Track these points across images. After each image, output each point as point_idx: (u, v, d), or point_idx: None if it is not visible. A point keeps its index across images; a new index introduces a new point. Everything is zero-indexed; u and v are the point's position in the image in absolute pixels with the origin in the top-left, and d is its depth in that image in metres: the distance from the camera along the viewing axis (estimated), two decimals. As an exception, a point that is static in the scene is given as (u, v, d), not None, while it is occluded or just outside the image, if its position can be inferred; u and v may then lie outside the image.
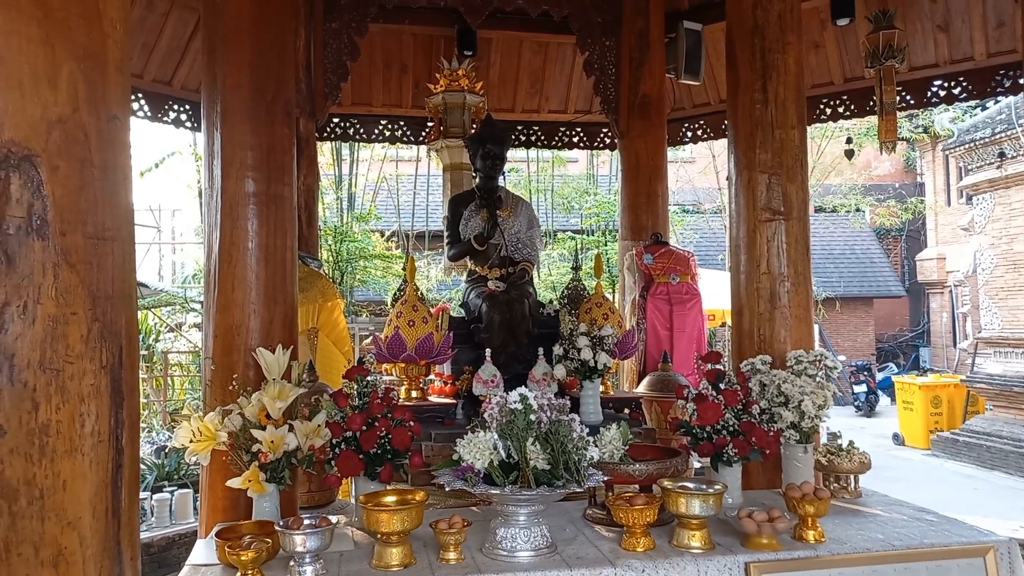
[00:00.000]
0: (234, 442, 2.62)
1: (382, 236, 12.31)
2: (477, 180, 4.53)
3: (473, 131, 5.78)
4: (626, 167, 5.94)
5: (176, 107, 5.63)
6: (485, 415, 2.47)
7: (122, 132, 0.93)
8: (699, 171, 15.93)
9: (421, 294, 4.11)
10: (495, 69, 6.66)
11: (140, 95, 5.33)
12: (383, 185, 13.16)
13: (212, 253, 3.15)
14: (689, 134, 6.81)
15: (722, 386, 2.78)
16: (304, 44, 5.17)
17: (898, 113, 5.15)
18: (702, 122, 6.72)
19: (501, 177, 4.55)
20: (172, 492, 5.49)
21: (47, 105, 0.81)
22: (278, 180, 3.22)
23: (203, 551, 2.40)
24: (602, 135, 6.99)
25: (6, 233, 0.77)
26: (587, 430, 2.37)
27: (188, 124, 5.74)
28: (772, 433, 2.75)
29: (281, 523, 2.18)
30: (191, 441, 2.56)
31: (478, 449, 2.32)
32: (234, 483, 2.55)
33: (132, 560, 0.89)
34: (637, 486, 2.53)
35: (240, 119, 3.10)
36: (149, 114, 5.46)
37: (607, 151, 8.42)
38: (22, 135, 0.79)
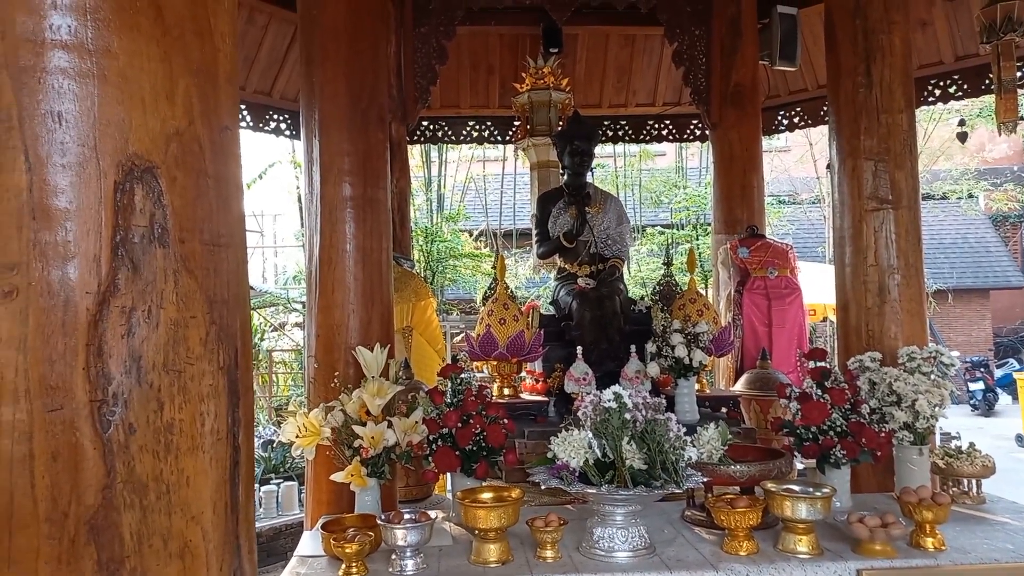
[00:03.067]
0: (337, 437, 2.71)
1: (471, 235, 12.47)
2: (565, 177, 4.50)
3: (560, 128, 5.77)
4: (719, 158, 5.77)
5: (276, 116, 5.88)
6: (579, 413, 2.45)
7: (233, 143, 0.97)
8: (795, 160, 15.31)
9: (511, 292, 4.13)
10: (581, 65, 6.61)
11: (243, 106, 5.60)
12: (471, 185, 13.33)
13: (313, 256, 3.27)
14: (785, 122, 6.55)
15: (828, 384, 2.66)
16: (395, 50, 5.29)
17: (1018, 91, 4.78)
18: (799, 109, 6.44)
19: (589, 173, 4.51)
20: (278, 484, 5.74)
21: (165, 119, 0.86)
22: (373, 184, 3.31)
23: (309, 542, 2.49)
24: (692, 127, 6.83)
25: (131, 242, 0.81)
26: (684, 429, 2.32)
27: (287, 132, 5.98)
28: (883, 434, 2.60)
29: (383, 517, 2.24)
30: (297, 436, 2.66)
31: (573, 448, 2.31)
32: (337, 477, 2.64)
33: (250, 553, 0.93)
34: (738, 488, 2.45)
35: (337, 126, 3.21)
36: (251, 124, 5.72)
37: (697, 143, 8.21)
38: (144, 148, 0.83)
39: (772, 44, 5.47)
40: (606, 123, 6.77)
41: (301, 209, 9.72)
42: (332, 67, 3.19)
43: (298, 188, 9.75)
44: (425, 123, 6.61)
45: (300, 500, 5.66)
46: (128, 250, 0.82)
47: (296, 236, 10.74)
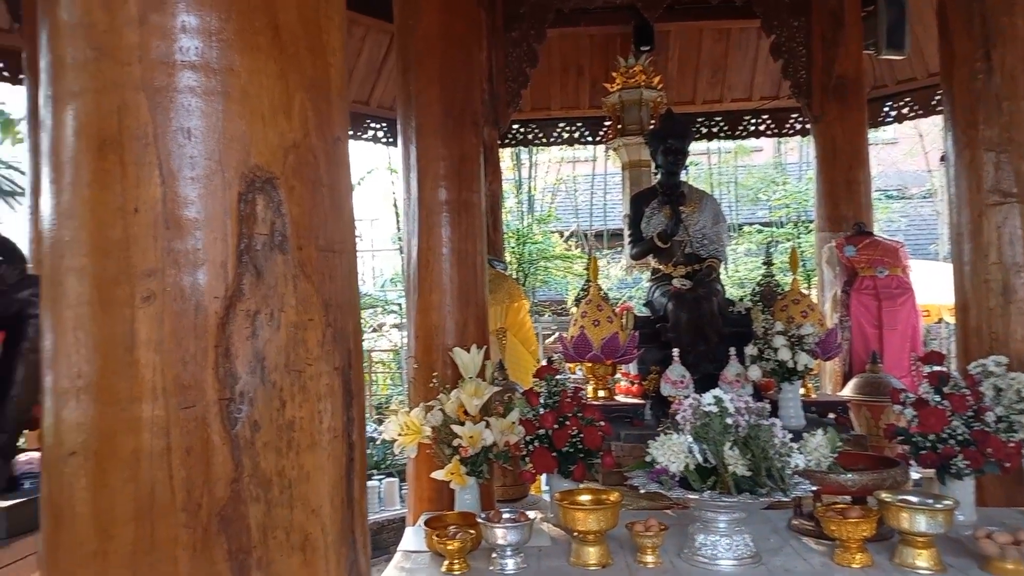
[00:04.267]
0: (437, 436, 2.77)
1: (561, 236, 12.46)
2: (658, 176, 4.43)
3: (652, 127, 5.68)
4: (821, 153, 5.53)
5: (374, 125, 6.07)
6: (677, 417, 2.40)
7: (344, 152, 1.01)
8: (904, 153, 14.47)
9: (604, 294, 4.10)
10: (673, 62, 6.49)
11: (342, 116, 5.80)
12: (561, 186, 13.32)
13: (411, 259, 3.36)
14: (893, 113, 6.21)
15: (947, 390, 2.50)
16: (486, 56, 5.36)
17: None
18: (908, 99, 6.10)
19: (683, 172, 4.42)
20: (380, 481, 5.92)
21: (283, 132, 0.90)
22: (468, 188, 3.37)
23: (412, 538, 2.55)
24: (792, 121, 6.58)
25: (254, 249, 0.85)
26: (789, 435, 2.23)
27: (384, 140, 6.16)
28: (1012, 444, 2.42)
29: (483, 516, 2.27)
30: (399, 435, 2.74)
31: (672, 452, 2.26)
32: (438, 475, 2.70)
33: (364, 547, 0.97)
34: (849, 497, 2.34)
35: (432, 132, 3.28)
36: (351, 133, 5.93)
37: (797, 137, 7.90)
38: (264, 160, 0.87)
39: (878, 32, 5.19)
40: (700, 120, 6.62)
41: (397, 214, 10.00)
42: (427, 75, 3.27)
43: (394, 194, 10.02)
44: (516, 126, 6.66)
45: (401, 496, 5.82)
46: (252, 257, 0.87)
47: (392, 240, 11.05)
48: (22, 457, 2.19)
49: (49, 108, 0.92)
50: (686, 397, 2.45)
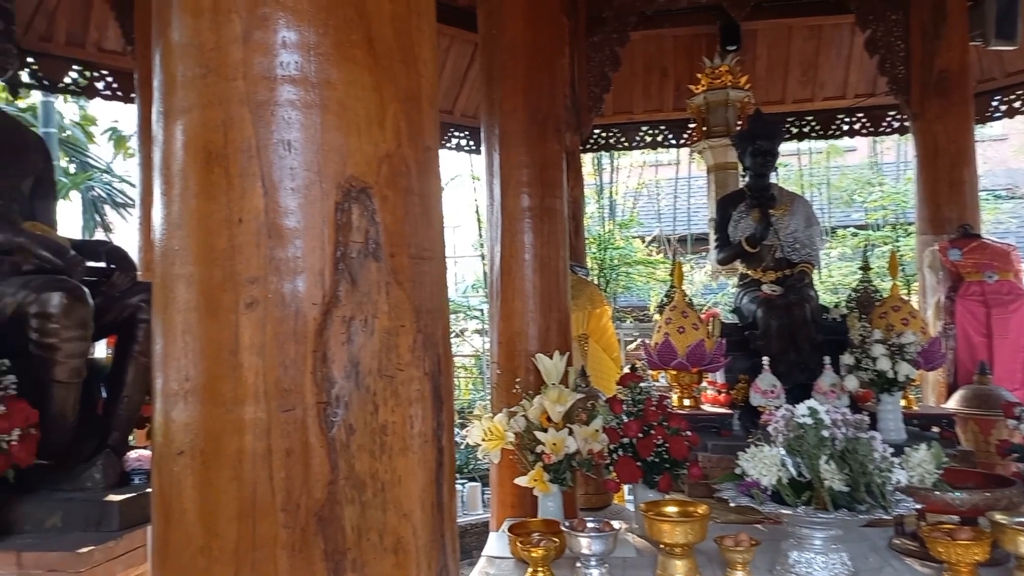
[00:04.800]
0: (520, 442, 2.77)
1: (643, 241, 12.29)
2: (747, 179, 4.31)
3: (739, 128, 5.53)
4: (922, 152, 5.24)
5: (457, 133, 6.17)
6: (769, 428, 2.32)
7: (434, 161, 1.02)
8: (1014, 150, 13.55)
9: (689, 300, 4.01)
10: (761, 61, 6.31)
11: (427, 126, 5.92)
12: (643, 190, 13.14)
13: (494, 265, 3.38)
14: (1003, 108, 5.82)
15: (1069, 404, 2.32)
16: (568, 62, 5.36)
17: None
18: (1019, 92, 5.70)
19: (773, 174, 4.28)
20: (463, 485, 5.98)
21: (378, 143, 0.92)
22: (550, 194, 3.36)
23: (496, 544, 2.56)
24: (889, 119, 6.27)
25: (350, 257, 0.87)
26: (890, 450, 2.12)
27: (467, 148, 6.25)
28: None
29: (567, 524, 2.26)
30: (483, 440, 2.76)
31: (764, 465, 2.19)
32: (521, 481, 2.70)
33: (453, 552, 0.97)
34: (957, 517, 2.19)
35: (516, 140, 3.30)
36: (435, 142, 6.04)
37: (895, 136, 7.53)
38: (359, 171, 0.90)
39: (986, 22, 4.88)
40: (790, 120, 6.40)
41: (479, 220, 10.11)
42: (511, 83, 3.29)
43: (475, 201, 10.13)
44: (598, 130, 6.61)
45: (483, 500, 5.86)
46: (347, 265, 0.89)
47: (474, 246, 11.18)
48: (132, 454, 2.32)
49: (161, 124, 0.97)
50: (777, 408, 2.37)
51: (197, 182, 0.91)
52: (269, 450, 0.86)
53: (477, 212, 10.01)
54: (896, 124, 6.23)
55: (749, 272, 4.19)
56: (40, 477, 2.12)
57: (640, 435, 2.70)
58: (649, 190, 13.39)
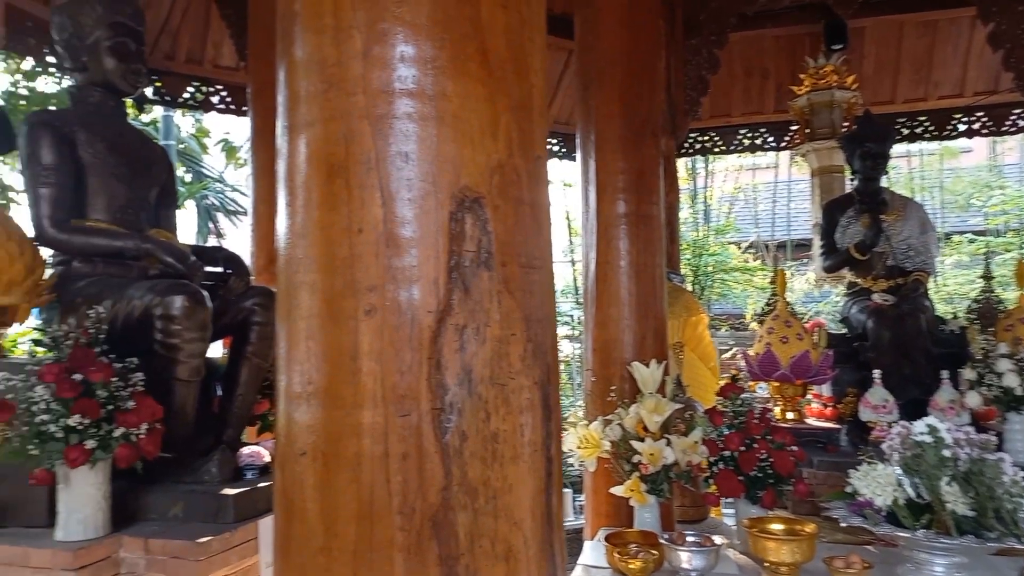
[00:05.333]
0: (616, 451, 2.74)
1: (739, 248, 11.94)
2: (855, 183, 4.12)
3: (845, 130, 5.30)
4: (1052, 151, 4.85)
5: (550, 140, 6.17)
6: (883, 446, 2.20)
7: (543, 170, 1.03)
8: None
9: (792, 309, 3.86)
10: (869, 60, 6.01)
11: (520, 133, 5.97)
12: (739, 195, 12.77)
13: (589, 272, 3.36)
14: None
15: None
16: (664, 65, 5.27)
17: None
18: None
19: (883, 177, 4.08)
20: (552, 492, 5.95)
21: (490, 153, 0.93)
22: (647, 200, 3.31)
23: (591, 553, 2.54)
24: (1014, 118, 5.84)
25: (463, 266, 0.89)
26: (1021, 473, 1.97)
27: (559, 155, 6.25)
28: None
29: (666, 536, 2.21)
30: (578, 447, 2.74)
31: (878, 484, 2.08)
32: (617, 491, 2.67)
33: (562, 562, 0.97)
34: (1101, 550, 2.01)
35: (612, 146, 3.27)
36: (528, 149, 6.08)
37: (1018, 136, 7.01)
38: (473, 181, 0.91)
39: None
40: (901, 120, 6.06)
41: (569, 226, 10.08)
42: (608, 89, 3.27)
43: (566, 207, 10.11)
44: (694, 134, 6.48)
45: (574, 507, 5.82)
46: (460, 273, 0.90)
47: (563, 252, 11.17)
48: (245, 450, 2.44)
49: (285, 138, 1.01)
50: (891, 424, 2.24)
51: (319, 193, 0.95)
52: (386, 454, 0.88)
53: (567, 218, 10.00)
54: (1022, 123, 5.80)
55: (858, 280, 4.00)
56: (163, 469, 2.26)
57: (742, 448, 2.62)
58: (746, 194, 13.01)
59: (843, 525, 2.13)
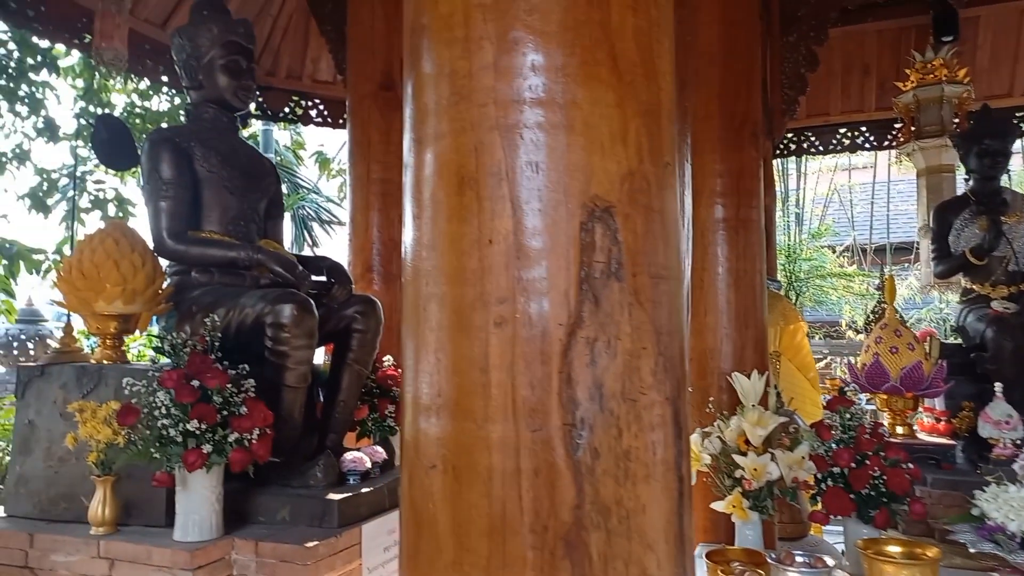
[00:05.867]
0: (715, 465, 2.65)
1: (833, 252, 11.45)
2: (971, 182, 3.87)
3: (956, 127, 4.99)
4: None
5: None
6: (1015, 466, 2.05)
7: (672, 176, 0.99)
8: None
9: (901, 317, 3.65)
10: (983, 51, 5.65)
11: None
12: (833, 196, 12.26)
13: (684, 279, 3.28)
14: None
15: None
16: (760, 64, 5.11)
17: None
18: None
19: (1004, 176, 3.81)
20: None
21: (620, 160, 0.90)
22: (746, 204, 3.21)
23: (693, 571, 2.46)
24: None
25: (593, 277, 0.86)
26: None
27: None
28: None
29: (772, 555, 2.12)
30: (677, 461, 2.67)
31: (1011, 508, 1.93)
32: (718, 506, 2.58)
33: (694, 587, 0.93)
34: None
35: (710, 148, 3.19)
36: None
37: None
38: (603, 190, 0.88)
39: None
40: (1020, 115, 5.66)
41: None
42: (706, 89, 3.19)
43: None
44: (789, 135, 6.25)
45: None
46: (591, 285, 0.88)
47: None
48: (348, 455, 2.50)
49: (412, 151, 1.02)
50: (1019, 443, 2.08)
51: (449, 205, 0.95)
52: (518, 469, 0.87)
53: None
54: None
55: (975, 287, 3.75)
56: (270, 473, 2.33)
57: (853, 465, 2.49)
58: (840, 196, 12.48)
59: (972, 551, 1.99)
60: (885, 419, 3.55)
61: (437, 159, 0.97)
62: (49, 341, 6.73)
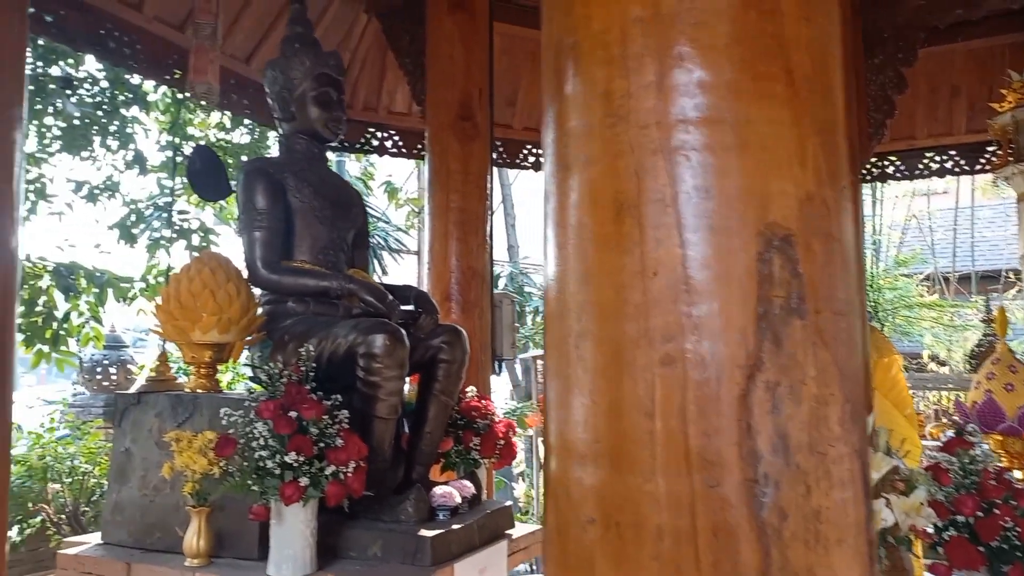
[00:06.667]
0: (824, 511, 2.48)
1: (911, 280, 10.96)
2: (1087, 207, 3.60)
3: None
4: None
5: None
6: None
7: (848, 200, 0.90)
8: None
9: (1013, 352, 3.41)
10: (1086, 69, 5.33)
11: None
12: (911, 223, 11.79)
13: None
14: None
15: None
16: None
17: None
18: None
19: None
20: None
21: (798, 184, 0.82)
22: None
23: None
24: None
25: (772, 314, 0.78)
26: None
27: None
28: None
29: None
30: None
31: None
32: (829, 556, 2.41)
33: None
34: None
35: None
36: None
37: None
38: (780, 216, 0.80)
39: None
40: None
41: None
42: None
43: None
44: (872, 160, 6.01)
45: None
46: (770, 322, 0.79)
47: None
48: (437, 490, 2.42)
49: (556, 177, 0.95)
50: None
51: (604, 234, 0.87)
52: (693, 528, 0.78)
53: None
54: None
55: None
56: (360, 506, 2.28)
57: (979, 513, 2.29)
58: (919, 222, 11.99)
59: None
60: (1000, 463, 3.29)
61: (589, 185, 0.90)
62: (129, 366, 6.95)
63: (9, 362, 1.97)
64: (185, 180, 4.03)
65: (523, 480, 9.24)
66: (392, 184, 8.81)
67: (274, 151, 6.56)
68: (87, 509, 4.54)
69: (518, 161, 5.61)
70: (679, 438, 0.79)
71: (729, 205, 0.82)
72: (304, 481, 1.96)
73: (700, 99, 0.84)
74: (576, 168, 0.92)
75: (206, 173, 2.83)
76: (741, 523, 0.77)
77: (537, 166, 5.65)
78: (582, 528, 0.85)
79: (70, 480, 4.52)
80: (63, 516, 4.44)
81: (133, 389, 2.59)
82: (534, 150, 5.57)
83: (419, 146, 5.33)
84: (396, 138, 5.24)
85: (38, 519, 4.25)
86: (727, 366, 0.80)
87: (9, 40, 1.88)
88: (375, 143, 5.22)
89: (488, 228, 4.12)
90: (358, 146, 5.27)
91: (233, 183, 3.23)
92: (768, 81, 0.84)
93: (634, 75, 0.86)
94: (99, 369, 6.63)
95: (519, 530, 2.75)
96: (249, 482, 1.97)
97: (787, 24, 0.85)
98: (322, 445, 2.01)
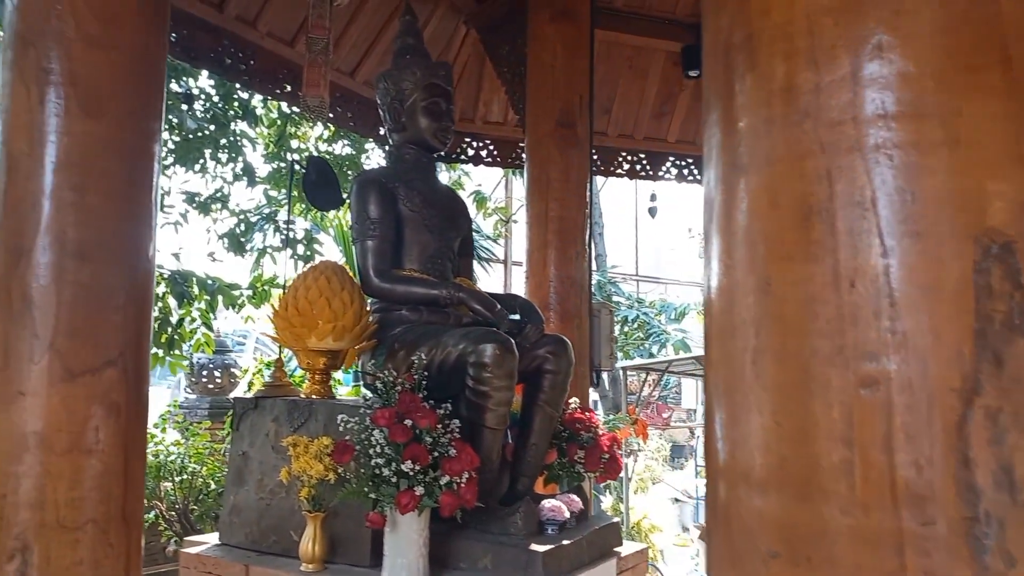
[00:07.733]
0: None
1: None
2: None
3: None
4: None
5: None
6: None
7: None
8: None
9: None
10: None
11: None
12: None
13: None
14: None
15: None
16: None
17: None
18: None
19: None
20: None
21: (1017, 186, 0.73)
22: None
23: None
24: None
25: (991, 331, 0.69)
26: None
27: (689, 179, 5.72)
28: None
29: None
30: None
31: None
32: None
33: None
34: None
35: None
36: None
37: None
38: (998, 221, 0.72)
39: None
40: None
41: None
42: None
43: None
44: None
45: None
46: (989, 341, 0.70)
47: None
48: (546, 503, 2.38)
49: (723, 181, 0.89)
50: None
51: (788, 241, 0.80)
52: (903, 569, 0.69)
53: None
54: None
55: None
56: (468, 517, 2.25)
57: None
58: None
59: None
60: None
61: (767, 188, 0.83)
62: (233, 370, 7.26)
63: (145, 363, 2.05)
64: (292, 191, 4.16)
65: (610, 493, 9.09)
66: (481, 193, 8.87)
67: (373, 162, 6.72)
68: (195, 507, 4.73)
69: (612, 169, 5.52)
70: (883, 469, 0.71)
71: (938, 208, 0.74)
72: (419, 490, 1.95)
73: (902, 92, 0.76)
74: (749, 169, 0.85)
75: (320, 184, 2.90)
76: (959, 567, 0.68)
77: (632, 174, 5.54)
78: (763, 562, 0.78)
79: (180, 479, 4.72)
80: (173, 513, 4.64)
81: (236, 393, 2.67)
82: (629, 157, 5.47)
83: (513, 155, 5.33)
84: (491, 147, 5.26)
85: (151, 515, 4.46)
86: (939, 389, 0.71)
87: (154, 59, 1.97)
88: (471, 152, 5.26)
89: (587, 237, 4.07)
90: (454, 156, 5.33)
91: (344, 194, 3.30)
92: (981, 72, 0.75)
93: (824, 68, 0.79)
94: (204, 372, 6.96)
95: (626, 548, 2.67)
96: (365, 489, 1.98)
97: (1004, 5, 0.76)
98: (436, 454, 2.00)
